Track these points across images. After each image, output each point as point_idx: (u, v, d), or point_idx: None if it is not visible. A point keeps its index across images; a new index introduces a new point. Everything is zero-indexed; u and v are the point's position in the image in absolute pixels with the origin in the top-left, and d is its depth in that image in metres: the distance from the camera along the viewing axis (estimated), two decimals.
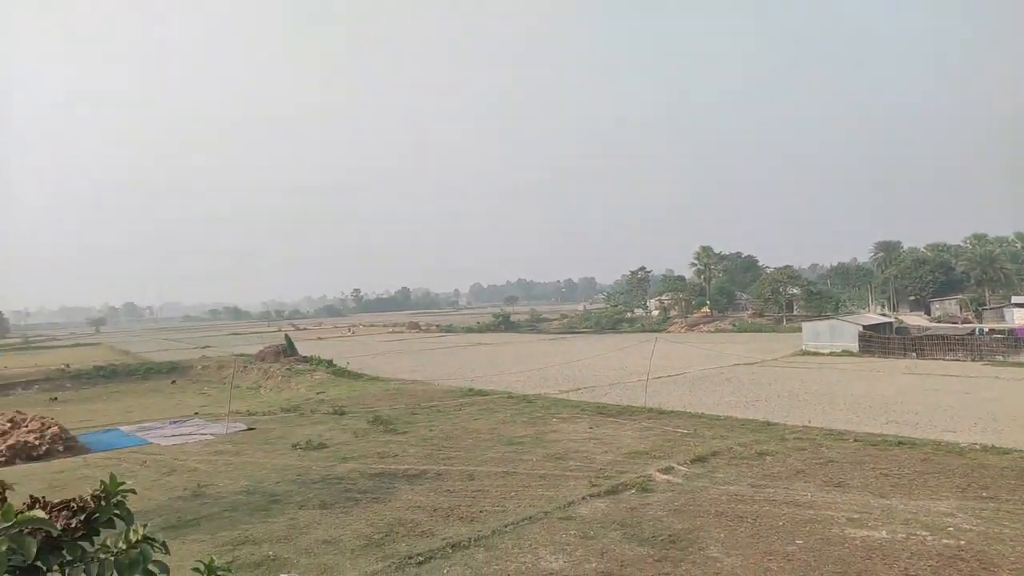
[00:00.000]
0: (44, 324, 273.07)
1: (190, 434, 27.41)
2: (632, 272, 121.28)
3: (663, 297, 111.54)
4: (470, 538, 12.85)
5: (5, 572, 1.92)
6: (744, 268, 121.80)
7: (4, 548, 1.85)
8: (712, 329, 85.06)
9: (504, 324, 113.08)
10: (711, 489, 15.63)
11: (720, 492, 15.38)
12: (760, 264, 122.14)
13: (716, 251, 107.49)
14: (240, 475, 19.05)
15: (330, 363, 50.33)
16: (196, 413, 33.96)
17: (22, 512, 1.97)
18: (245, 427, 27.60)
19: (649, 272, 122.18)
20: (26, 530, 1.94)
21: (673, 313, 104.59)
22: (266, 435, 25.44)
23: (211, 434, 26.77)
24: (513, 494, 15.84)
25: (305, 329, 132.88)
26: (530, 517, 14.02)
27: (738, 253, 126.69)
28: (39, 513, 1.98)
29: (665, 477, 16.85)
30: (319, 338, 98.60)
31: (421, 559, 11.94)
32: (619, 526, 13.32)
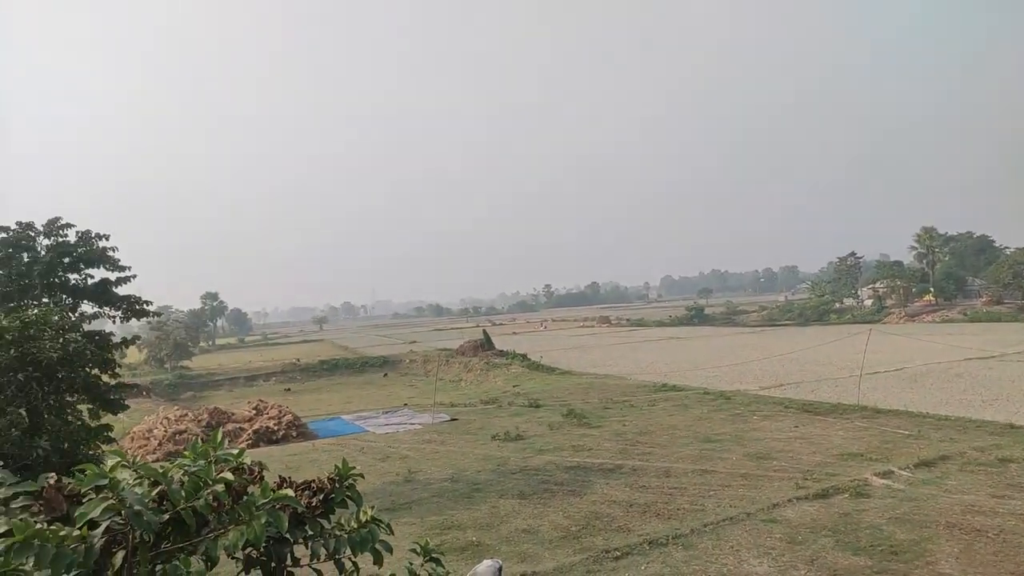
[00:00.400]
0: (278, 323, 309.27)
1: (400, 423, 29.76)
2: (840, 259, 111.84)
3: (877, 285, 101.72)
4: (667, 536, 12.67)
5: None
6: (977, 250, 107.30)
7: (263, 520, 2.20)
8: (938, 319, 76.27)
9: (698, 317, 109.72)
10: (940, 498, 14.07)
11: (952, 501, 13.79)
12: (997, 245, 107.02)
13: (941, 232, 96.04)
14: (445, 463, 20.35)
15: (524, 357, 52.02)
16: (405, 404, 36.79)
17: (276, 490, 2.33)
18: (449, 418, 29.42)
19: (860, 258, 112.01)
20: (278, 506, 2.30)
21: (889, 302, 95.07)
22: (467, 426, 26.91)
23: (419, 424, 28.86)
24: (712, 493, 15.39)
25: (501, 324, 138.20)
26: (731, 518, 13.53)
27: (969, 233, 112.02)
28: (289, 492, 2.33)
29: (883, 482, 15.43)
30: (514, 333, 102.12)
31: (618, 554, 11.99)
32: (830, 532, 12.44)
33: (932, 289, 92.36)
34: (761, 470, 17.09)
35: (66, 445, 10.12)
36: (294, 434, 29.19)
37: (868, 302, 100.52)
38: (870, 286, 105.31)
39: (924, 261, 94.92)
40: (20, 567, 2.05)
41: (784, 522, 13.14)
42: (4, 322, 9.26)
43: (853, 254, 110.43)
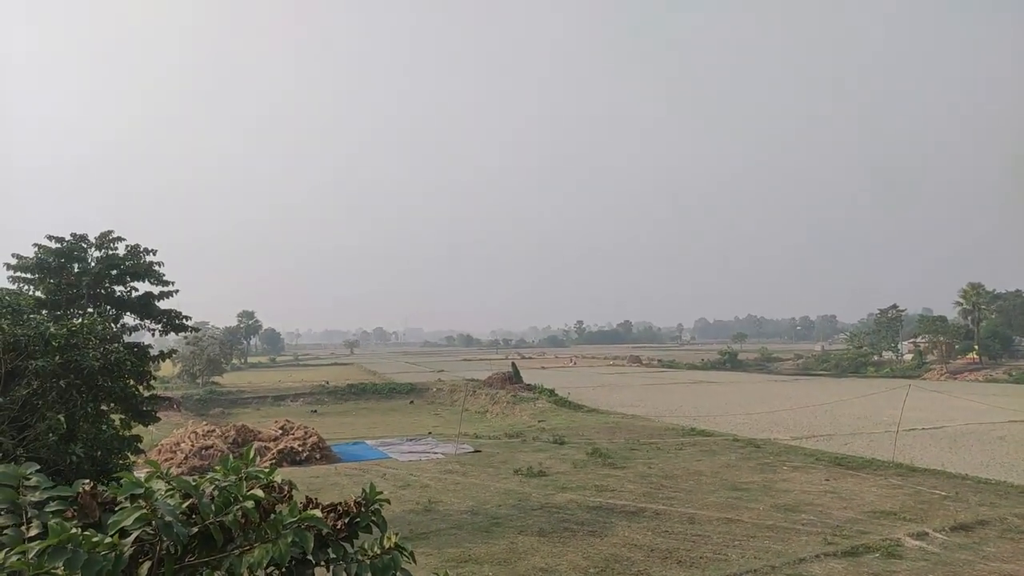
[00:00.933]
0: (310, 344, 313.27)
1: (423, 452, 29.71)
2: (882, 310, 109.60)
3: (918, 339, 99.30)
4: None
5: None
6: None
7: (290, 540, 2.25)
8: (981, 378, 73.95)
9: (730, 362, 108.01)
10: (977, 564, 13.52)
11: (989, 569, 13.24)
12: None
13: (988, 289, 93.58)
14: (466, 495, 20.21)
15: (552, 392, 51.71)
16: (430, 433, 36.74)
17: (303, 510, 2.38)
18: (472, 449, 29.29)
19: (902, 311, 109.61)
20: (305, 526, 2.35)
21: (930, 358, 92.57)
22: (491, 458, 26.74)
23: (442, 453, 28.77)
24: (736, 543, 15.01)
25: (529, 358, 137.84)
26: (755, 570, 13.17)
27: (1018, 291, 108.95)
28: (316, 512, 2.38)
29: (917, 543, 14.91)
30: (542, 367, 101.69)
31: None
32: None
33: (976, 347, 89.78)
34: (788, 522, 16.65)
35: (99, 453, 10.34)
36: (317, 456, 29.33)
37: (908, 356, 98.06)
38: (911, 340, 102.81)
39: (969, 318, 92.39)
40: (52, 570, 2.12)
41: None
42: (52, 329, 9.56)
43: (895, 306, 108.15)
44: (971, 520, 16.69)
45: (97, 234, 18.26)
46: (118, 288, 18.19)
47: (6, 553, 2.11)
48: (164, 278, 18.65)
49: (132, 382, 12.96)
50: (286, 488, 2.59)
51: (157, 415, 16.96)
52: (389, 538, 2.56)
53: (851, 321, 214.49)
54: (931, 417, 38.85)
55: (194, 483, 2.45)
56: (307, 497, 2.64)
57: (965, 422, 37.39)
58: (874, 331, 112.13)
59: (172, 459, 28.18)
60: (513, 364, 68.56)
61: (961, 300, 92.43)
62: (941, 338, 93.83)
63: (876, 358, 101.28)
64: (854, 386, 64.38)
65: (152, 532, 2.26)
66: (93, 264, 17.74)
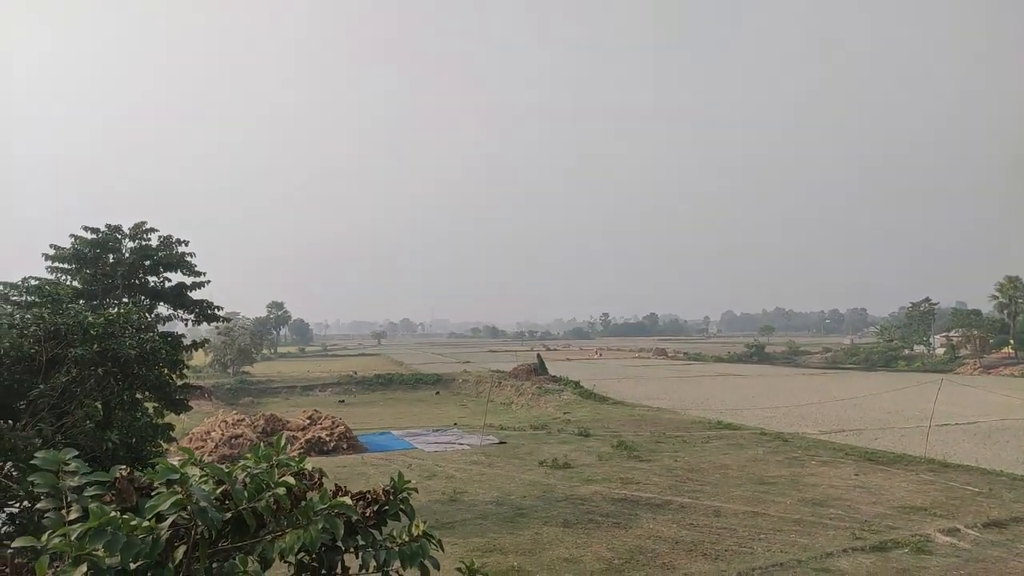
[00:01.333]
0: (338, 335, 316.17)
1: (449, 443, 29.88)
2: (914, 304, 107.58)
3: (951, 333, 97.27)
4: None
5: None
6: None
7: (320, 526, 2.30)
8: (1017, 373, 72.30)
9: (757, 355, 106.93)
10: (1010, 561, 13.27)
11: (1022, 566, 13.00)
12: None
13: None
14: (491, 486, 20.31)
15: (577, 384, 51.67)
16: (455, 424, 36.95)
17: (333, 498, 2.42)
18: (497, 440, 29.39)
19: (935, 304, 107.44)
20: (335, 512, 2.39)
21: (964, 352, 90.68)
22: (516, 450, 26.83)
23: (467, 444, 28.92)
24: (762, 536, 14.91)
25: (555, 350, 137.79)
26: (780, 564, 13.08)
27: None
28: (346, 500, 2.42)
29: (948, 539, 14.67)
30: (567, 359, 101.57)
31: None
32: None
33: (1012, 341, 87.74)
34: (816, 517, 16.48)
35: (134, 440, 10.58)
36: (344, 446, 29.64)
37: (940, 350, 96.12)
38: (944, 334, 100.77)
39: (1005, 311, 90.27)
40: (93, 551, 2.18)
41: (837, 573, 12.63)
42: (90, 318, 9.78)
43: (928, 299, 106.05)
44: (1005, 517, 16.38)
45: (131, 225, 18.62)
46: (152, 278, 18.53)
47: (48, 535, 2.18)
48: (196, 268, 18.95)
49: (166, 371, 13.23)
50: (316, 476, 2.64)
51: (189, 404, 17.29)
52: (417, 526, 2.60)
53: (882, 315, 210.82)
54: (964, 412, 38.13)
55: (227, 470, 2.50)
56: (336, 485, 2.69)
57: (1000, 417, 36.62)
58: (905, 325, 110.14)
59: (202, 447, 28.69)
60: (538, 356, 68.63)
61: (997, 293, 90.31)
62: (975, 332, 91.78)
63: (907, 352, 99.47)
64: (885, 380, 63.36)
65: (187, 517, 2.32)
66: (127, 255, 18.09)
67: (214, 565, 2.43)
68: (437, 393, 59.71)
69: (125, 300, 17.14)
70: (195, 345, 19.31)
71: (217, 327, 27.09)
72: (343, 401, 54.29)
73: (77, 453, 2.67)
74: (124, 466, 2.84)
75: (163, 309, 18.87)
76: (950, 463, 23.48)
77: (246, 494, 2.37)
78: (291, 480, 2.38)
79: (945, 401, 37.30)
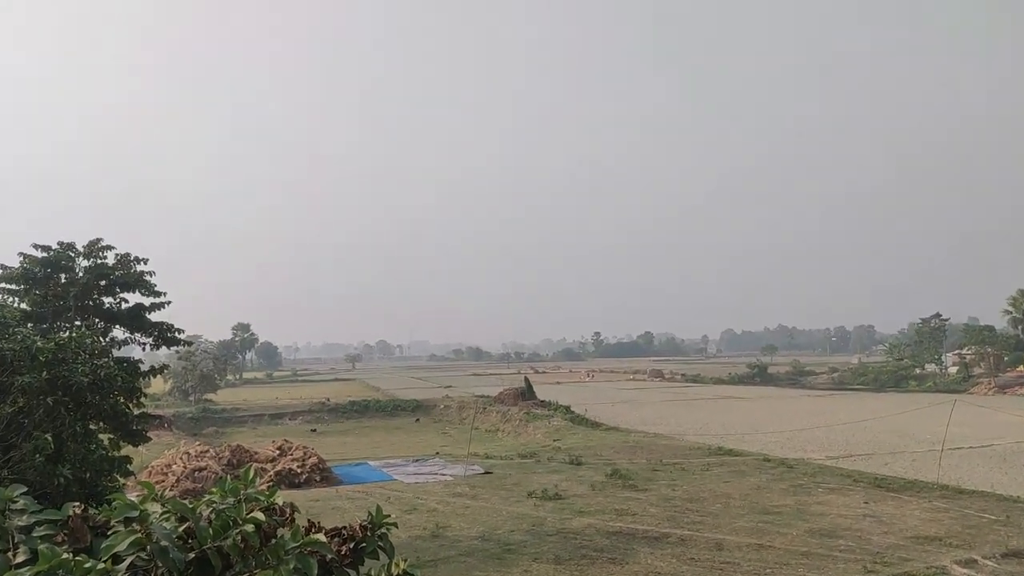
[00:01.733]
0: (309, 359, 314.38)
1: (431, 473, 29.71)
2: (924, 320, 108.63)
3: (964, 351, 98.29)
4: None
5: None
6: None
7: (292, 566, 2.28)
8: None
9: (760, 376, 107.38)
10: None
11: None
12: None
13: None
14: (476, 520, 20.19)
15: (568, 409, 51.62)
16: (437, 453, 36.76)
17: (306, 535, 2.41)
18: (483, 471, 29.26)
19: (946, 320, 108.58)
20: (308, 551, 2.37)
21: (977, 371, 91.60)
22: (503, 480, 26.71)
23: (450, 475, 28.76)
24: (768, 571, 14.91)
25: (544, 372, 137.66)
26: None
27: None
28: (320, 537, 2.41)
29: (965, 571, 14.75)
30: (557, 382, 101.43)
31: None
32: None
33: None
34: (825, 549, 16.52)
35: (88, 475, 10.44)
36: (317, 478, 29.37)
37: (952, 369, 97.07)
38: (956, 352, 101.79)
39: (1019, 327, 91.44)
40: None
41: None
42: (39, 343, 9.68)
43: (938, 315, 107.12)
44: None
45: (85, 242, 18.48)
46: (107, 299, 18.38)
47: None
48: (156, 288, 18.80)
49: (122, 399, 13.08)
50: (288, 511, 2.62)
51: (147, 434, 17.08)
52: (397, 564, 2.59)
53: (890, 331, 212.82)
54: (979, 434, 38.47)
55: (191, 506, 2.48)
56: (309, 521, 2.67)
57: (1017, 439, 36.99)
58: (915, 342, 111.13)
59: (163, 482, 28.30)
60: (526, 379, 68.52)
61: (1010, 308, 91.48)
62: (989, 349, 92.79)
63: (918, 371, 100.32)
64: (894, 401, 63.84)
65: (147, 558, 2.30)
66: (81, 274, 17.93)
67: None
68: (417, 420, 59.37)
69: (78, 323, 16.97)
70: (153, 371, 19.11)
71: (177, 351, 26.87)
72: (315, 430, 53.81)
73: (25, 489, 2.64)
74: (77, 503, 2.81)
75: (119, 332, 18.70)
76: (964, 489, 23.65)
77: (211, 532, 2.35)
78: (260, 516, 2.36)
79: (958, 422, 37.62)
